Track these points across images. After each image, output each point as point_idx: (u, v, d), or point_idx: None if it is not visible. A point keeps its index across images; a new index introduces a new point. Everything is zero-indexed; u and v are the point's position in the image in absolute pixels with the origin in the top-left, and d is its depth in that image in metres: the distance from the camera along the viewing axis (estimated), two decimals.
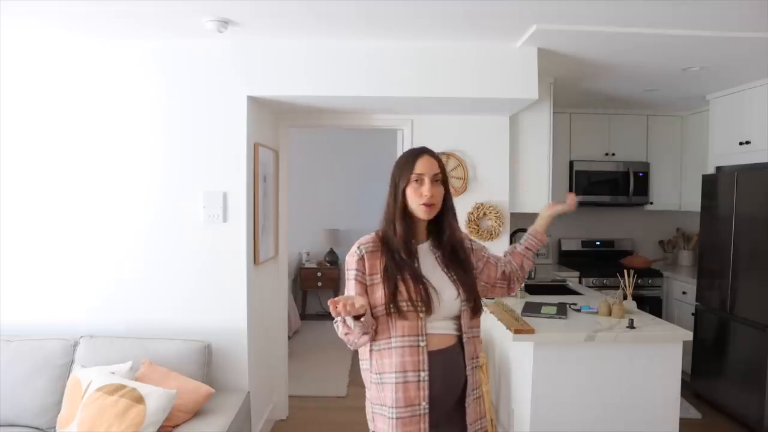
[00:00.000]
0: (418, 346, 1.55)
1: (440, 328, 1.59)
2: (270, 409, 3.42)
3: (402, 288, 1.54)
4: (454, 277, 1.61)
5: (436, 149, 2.70)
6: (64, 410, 2.37)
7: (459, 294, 1.60)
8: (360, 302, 1.44)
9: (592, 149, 4.70)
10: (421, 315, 1.54)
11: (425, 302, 1.53)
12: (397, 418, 1.54)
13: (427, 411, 1.55)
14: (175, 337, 2.69)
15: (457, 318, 1.61)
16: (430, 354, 1.56)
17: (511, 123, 3.52)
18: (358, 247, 1.64)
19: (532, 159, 3.60)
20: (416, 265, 1.58)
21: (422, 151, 1.62)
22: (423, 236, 1.65)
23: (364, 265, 1.60)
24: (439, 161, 1.63)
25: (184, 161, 2.84)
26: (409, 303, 1.53)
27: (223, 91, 2.83)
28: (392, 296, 1.54)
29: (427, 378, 1.55)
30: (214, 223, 2.84)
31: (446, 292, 1.58)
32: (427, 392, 1.54)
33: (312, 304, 6.54)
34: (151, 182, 2.84)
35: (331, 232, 6.42)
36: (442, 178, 1.61)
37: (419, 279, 1.55)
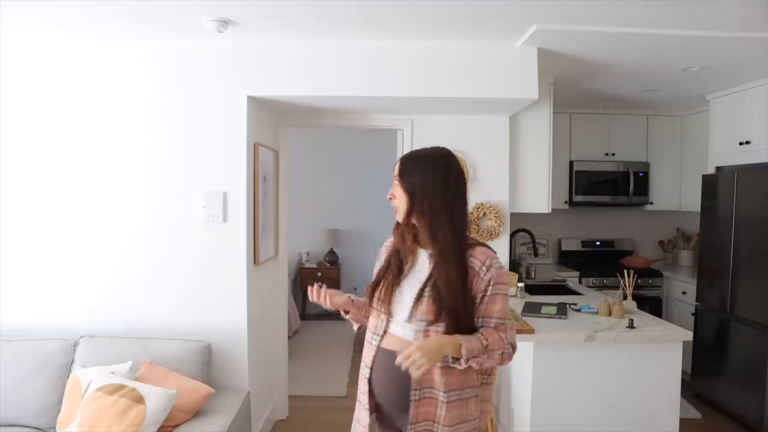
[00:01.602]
0: (371, 342, 1.64)
1: (400, 331, 1.58)
2: (270, 409, 3.42)
3: (379, 287, 1.64)
4: (428, 293, 1.51)
5: None
6: (64, 410, 2.37)
7: (413, 313, 1.53)
8: (337, 300, 1.69)
9: (592, 149, 4.70)
10: (381, 316, 1.62)
11: (385, 307, 1.60)
12: (356, 402, 1.71)
13: (367, 406, 1.63)
14: (175, 337, 2.69)
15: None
16: (381, 350, 1.62)
17: (511, 123, 3.52)
18: (386, 242, 1.75)
19: (532, 159, 3.60)
20: (405, 269, 1.60)
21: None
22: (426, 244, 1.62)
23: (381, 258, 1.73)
24: (401, 164, 1.60)
25: (184, 161, 2.84)
26: (377, 301, 1.63)
27: (223, 91, 2.83)
28: (372, 292, 1.65)
29: (368, 374, 1.63)
30: (214, 223, 2.84)
31: (408, 305, 1.56)
32: (367, 387, 1.63)
33: (312, 304, 6.50)
34: (151, 182, 2.84)
35: (331, 232, 6.42)
36: (400, 183, 1.57)
37: (394, 283, 1.60)
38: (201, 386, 2.41)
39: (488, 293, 1.51)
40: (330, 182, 6.53)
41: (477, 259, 1.53)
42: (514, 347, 1.55)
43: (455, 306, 1.48)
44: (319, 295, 1.68)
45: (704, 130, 4.25)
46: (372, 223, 6.35)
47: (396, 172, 1.60)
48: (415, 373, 1.39)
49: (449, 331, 1.48)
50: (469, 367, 1.48)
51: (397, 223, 1.62)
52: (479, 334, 1.49)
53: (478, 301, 1.52)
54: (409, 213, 1.56)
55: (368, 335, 1.67)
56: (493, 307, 1.52)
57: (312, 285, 1.69)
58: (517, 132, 3.57)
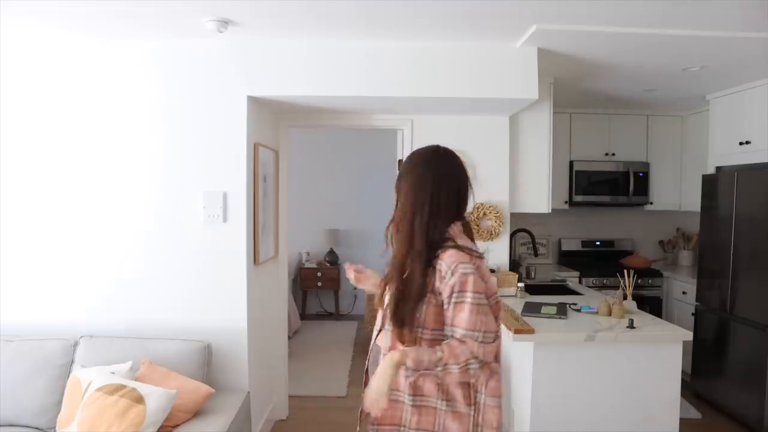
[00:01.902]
0: (372, 337, 1.69)
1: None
2: (270, 409, 3.42)
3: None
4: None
5: None
6: (64, 410, 2.37)
7: (384, 313, 1.55)
8: (366, 283, 1.78)
9: (592, 149, 4.70)
10: (381, 311, 1.63)
11: (381, 304, 1.61)
12: None
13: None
14: (175, 337, 2.69)
15: None
16: (375, 346, 1.65)
17: (511, 123, 3.52)
18: None
19: (532, 159, 3.60)
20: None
21: None
22: None
23: None
24: (402, 165, 1.63)
25: (184, 161, 2.84)
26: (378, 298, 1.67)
27: (223, 91, 2.83)
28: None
29: (366, 366, 1.70)
30: (214, 223, 2.84)
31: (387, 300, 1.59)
32: (364, 378, 1.69)
33: (312, 304, 6.54)
34: (151, 182, 2.84)
35: (331, 232, 6.42)
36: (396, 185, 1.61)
37: (390, 282, 1.57)
38: (201, 386, 2.41)
39: (452, 300, 1.41)
40: (330, 182, 6.53)
41: (444, 262, 1.43)
42: (483, 362, 1.40)
43: (394, 313, 1.45)
44: (350, 272, 1.80)
45: (704, 130, 4.25)
46: (372, 223, 6.34)
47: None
48: (378, 413, 1.41)
49: (397, 336, 1.46)
50: (438, 377, 1.44)
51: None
52: (438, 346, 1.41)
53: (445, 307, 1.44)
54: (393, 215, 1.58)
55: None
56: (459, 315, 1.41)
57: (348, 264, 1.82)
58: (517, 132, 3.57)
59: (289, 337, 4.80)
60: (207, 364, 2.63)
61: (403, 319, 1.44)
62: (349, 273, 1.78)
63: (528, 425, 2.57)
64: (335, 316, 6.39)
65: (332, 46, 2.84)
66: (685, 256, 4.86)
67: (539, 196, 3.63)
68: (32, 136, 2.83)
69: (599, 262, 4.82)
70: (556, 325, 2.63)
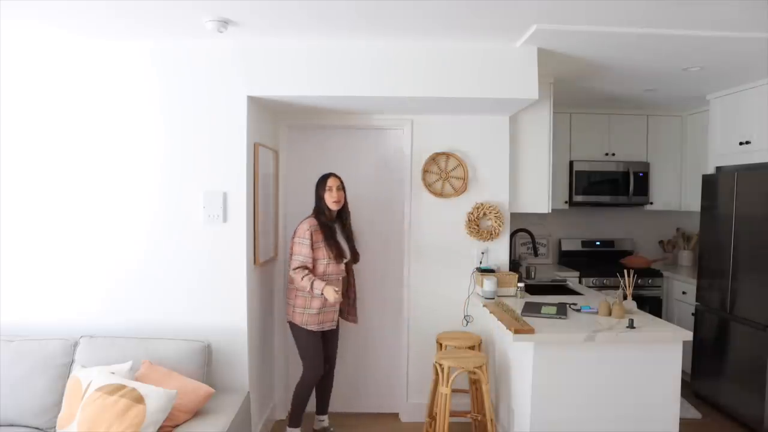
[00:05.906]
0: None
1: None
2: (270, 409, 3.42)
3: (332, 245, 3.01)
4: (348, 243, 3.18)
5: (436, 149, 2.92)
6: (64, 410, 2.37)
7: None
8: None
9: (592, 149, 4.70)
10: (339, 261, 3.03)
11: (342, 254, 3.09)
12: None
13: None
14: (175, 337, 2.69)
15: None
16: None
17: (511, 123, 3.52)
18: (309, 227, 2.99)
19: (532, 159, 3.59)
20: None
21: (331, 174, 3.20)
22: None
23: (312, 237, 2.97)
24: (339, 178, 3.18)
25: (185, 161, 2.85)
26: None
27: (224, 91, 2.83)
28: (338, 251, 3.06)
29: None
30: (214, 223, 2.85)
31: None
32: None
33: None
34: (151, 182, 2.85)
35: None
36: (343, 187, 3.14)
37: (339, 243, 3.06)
38: (201, 386, 2.41)
39: None
40: None
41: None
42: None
43: None
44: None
45: (704, 130, 4.25)
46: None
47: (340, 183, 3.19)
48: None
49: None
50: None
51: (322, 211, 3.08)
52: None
53: None
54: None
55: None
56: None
57: None
58: (517, 132, 3.57)
59: None
60: (207, 364, 2.64)
61: None
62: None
63: (528, 425, 2.58)
64: None
65: (332, 46, 2.85)
66: (685, 256, 4.86)
67: (539, 196, 3.62)
68: (33, 137, 2.83)
69: (599, 262, 4.83)
70: (556, 325, 2.63)
